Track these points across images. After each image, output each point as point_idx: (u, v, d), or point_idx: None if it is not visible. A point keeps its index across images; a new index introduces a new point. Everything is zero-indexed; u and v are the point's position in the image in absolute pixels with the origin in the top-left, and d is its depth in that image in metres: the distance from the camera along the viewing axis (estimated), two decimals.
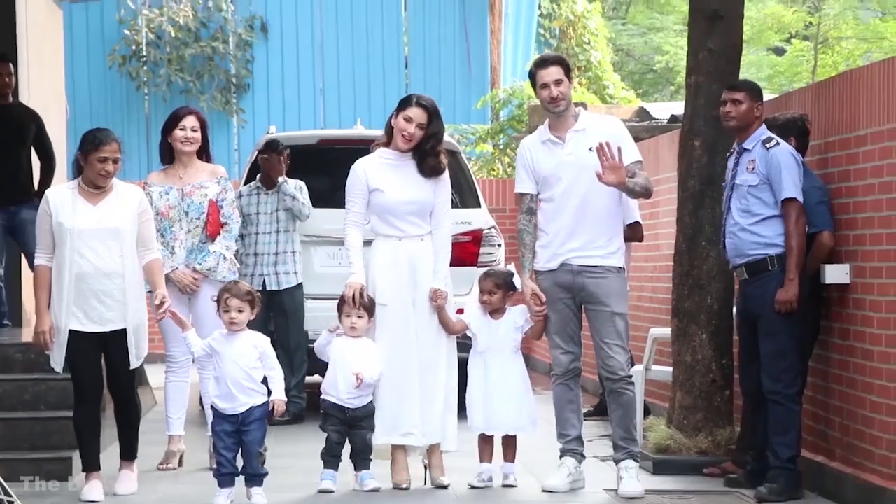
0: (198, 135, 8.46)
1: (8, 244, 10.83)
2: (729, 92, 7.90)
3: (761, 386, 7.67)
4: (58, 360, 7.61)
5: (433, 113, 7.80)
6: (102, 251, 7.51)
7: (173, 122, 8.46)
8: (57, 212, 7.54)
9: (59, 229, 7.50)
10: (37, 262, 7.66)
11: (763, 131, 7.78)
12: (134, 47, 20.24)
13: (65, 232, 7.48)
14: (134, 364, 7.67)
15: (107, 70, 19.99)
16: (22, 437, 8.29)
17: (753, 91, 7.89)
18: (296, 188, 10.51)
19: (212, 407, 7.35)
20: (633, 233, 9.56)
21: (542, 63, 7.81)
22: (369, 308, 7.74)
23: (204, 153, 8.57)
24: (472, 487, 7.78)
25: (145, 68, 20.25)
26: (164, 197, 8.44)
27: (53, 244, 7.56)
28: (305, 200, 10.48)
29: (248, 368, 7.30)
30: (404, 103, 7.83)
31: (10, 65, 10.92)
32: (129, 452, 7.85)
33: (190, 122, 8.44)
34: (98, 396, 7.75)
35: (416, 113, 7.76)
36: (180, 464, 8.53)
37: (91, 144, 7.53)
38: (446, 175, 7.93)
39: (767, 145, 7.68)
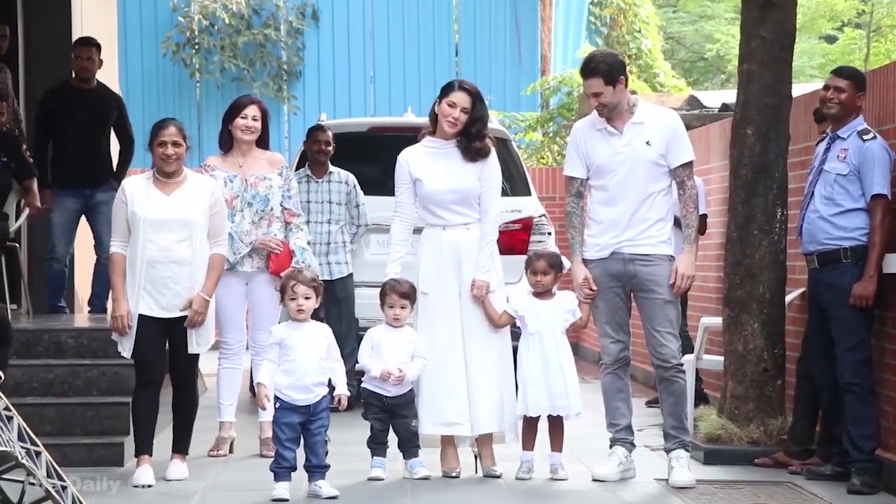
0: (258, 124, 8.51)
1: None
2: (833, 78, 7.76)
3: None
4: (126, 345, 7.75)
5: (476, 97, 7.80)
6: (172, 239, 7.65)
7: (235, 110, 8.51)
8: (132, 201, 7.71)
9: (133, 218, 7.67)
10: (112, 249, 7.81)
11: (860, 122, 7.67)
12: (187, 34, 20.32)
13: (138, 220, 7.65)
14: (194, 349, 7.78)
15: (160, 57, 20.09)
16: (74, 422, 8.33)
17: (857, 80, 7.74)
18: (346, 182, 10.57)
19: (276, 399, 7.24)
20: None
21: (584, 72, 7.76)
22: (410, 296, 7.74)
23: (262, 142, 8.61)
24: (519, 479, 7.75)
25: (198, 55, 20.32)
26: (229, 184, 8.48)
27: (129, 233, 7.71)
28: (362, 211, 10.65)
29: (319, 359, 7.29)
30: (447, 89, 7.84)
31: (94, 49, 10.87)
32: (181, 445, 7.90)
33: (252, 111, 8.49)
34: (158, 381, 7.84)
35: (459, 97, 7.76)
36: (230, 450, 8.56)
37: (152, 133, 7.74)
38: (494, 163, 7.91)
39: (864, 137, 7.57)
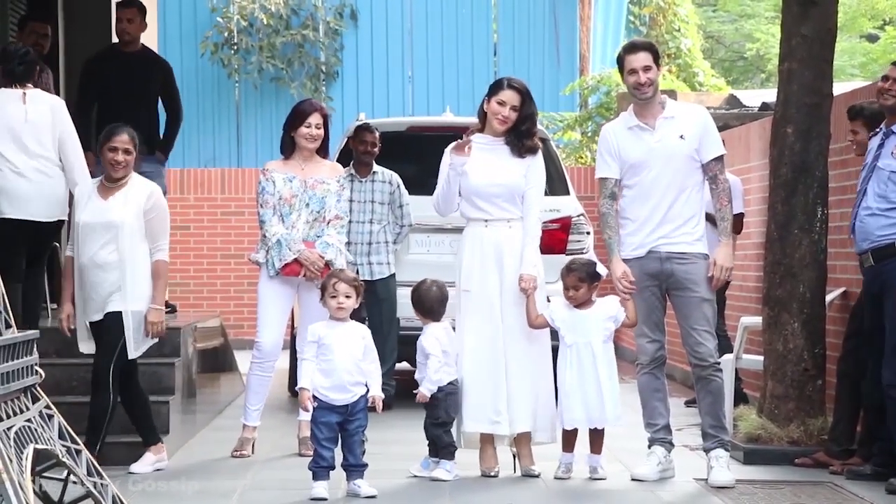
0: (321, 132, 8.53)
1: None
2: (893, 69, 7.67)
3: None
4: (83, 345, 7.95)
5: (526, 94, 7.82)
6: (97, 244, 7.71)
7: (300, 118, 8.50)
8: (77, 206, 7.86)
9: (74, 223, 7.86)
10: (66, 252, 7.99)
11: None
12: (226, 34, 20.36)
13: (75, 226, 7.83)
14: (132, 354, 7.78)
15: (199, 57, 20.12)
16: (114, 421, 8.32)
17: None
18: (390, 181, 10.56)
19: (314, 398, 7.21)
20: (734, 224, 9.50)
21: (632, 48, 7.77)
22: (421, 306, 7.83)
23: (322, 148, 8.62)
24: (557, 478, 7.74)
25: (237, 56, 20.37)
26: (288, 184, 8.50)
27: None
28: (407, 211, 10.65)
29: (357, 360, 7.29)
30: (496, 87, 7.84)
31: (136, 10, 10.62)
32: (145, 438, 7.95)
33: (315, 119, 8.50)
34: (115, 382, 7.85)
35: (508, 96, 7.77)
36: (252, 451, 8.55)
37: (104, 136, 7.84)
38: (541, 161, 7.93)
39: None
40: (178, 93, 10.87)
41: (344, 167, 10.76)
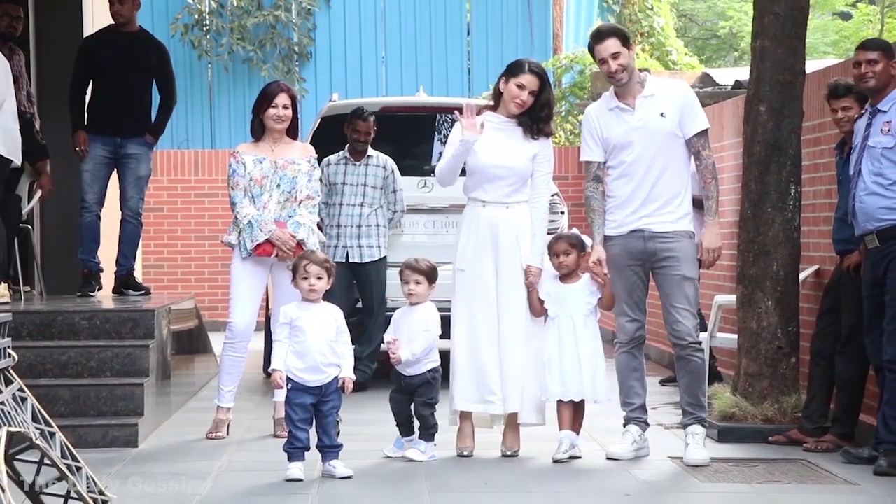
0: (289, 112, 8.48)
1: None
2: (862, 52, 7.62)
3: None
4: None
5: (545, 79, 7.80)
6: None
7: (267, 99, 8.45)
8: None
9: None
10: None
11: None
12: (197, 16, 20.29)
13: None
14: None
15: (169, 39, 20.05)
16: (88, 403, 8.33)
17: (886, 49, 7.59)
18: (384, 166, 10.55)
19: (288, 380, 7.19)
20: None
21: (598, 37, 7.70)
22: (429, 274, 7.72)
23: (292, 130, 8.58)
24: (556, 461, 7.62)
25: (208, 37, 20.30)
26: (259, 165, 8.45)
27: None
28: (400, 198, 10.64)
29: (330, 341, 7.26)
30: (516, 69, 7.79)
31: None
32: None
33: (282, 100, 8.44)
34: None
35: (528, 80, 7.74)
36: (227, 433, 8.54)
37: None
38: (550, 145, 7.92)
39: None
40: (173, 76, 10.82)
41: (316, 149, 10.76)
